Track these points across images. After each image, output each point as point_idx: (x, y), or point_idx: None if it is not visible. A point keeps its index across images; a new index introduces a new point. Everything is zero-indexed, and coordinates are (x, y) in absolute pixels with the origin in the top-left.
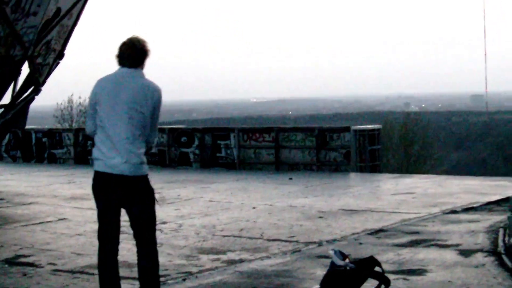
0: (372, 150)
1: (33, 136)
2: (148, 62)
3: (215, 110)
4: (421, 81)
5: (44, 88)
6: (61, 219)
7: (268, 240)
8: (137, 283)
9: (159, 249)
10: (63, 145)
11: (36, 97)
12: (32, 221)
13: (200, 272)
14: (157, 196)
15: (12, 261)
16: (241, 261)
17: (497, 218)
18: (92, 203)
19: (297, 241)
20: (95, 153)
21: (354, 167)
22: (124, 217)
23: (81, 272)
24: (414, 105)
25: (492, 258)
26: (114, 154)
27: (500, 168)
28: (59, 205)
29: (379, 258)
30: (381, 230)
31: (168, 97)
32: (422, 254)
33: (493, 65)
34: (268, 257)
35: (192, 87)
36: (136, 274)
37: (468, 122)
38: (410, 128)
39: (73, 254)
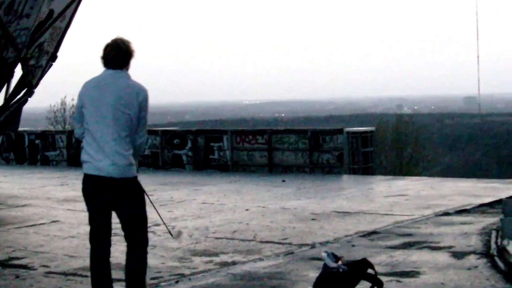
0: (365, 152)
1: (26, 138)
2: (143, 63)
3: (208, 112)
4: (414, 83)
5: (37, 90)
6: (54, 221)
7: (261, 242)
8: None
9: (152, 251)
10: (56, 147)
11: (29, 99)
12: (25, 223)
13: (193, 274)
14: (173, 230)
15: (5, 263)
16: (234, 263)
17: (490, 220)
18: (85, 205)
19: (290, 243)
20: (83, 156)
21: (347, 169)
22: (116, 219)
23: (74, 274)
24: (407, 107)
25: (484, 260)
26: (101, 157)
27: (493, 170)
28: (52, 207)
29: (372, 260)
30: (374, 232)
31: (161, 99)
32: (415, 256)
33: (486, 67)
34: (261, 259)
35: (186, 89)
36: None
37: (461, 124)
38: (403, 130)
39: (66, 256)
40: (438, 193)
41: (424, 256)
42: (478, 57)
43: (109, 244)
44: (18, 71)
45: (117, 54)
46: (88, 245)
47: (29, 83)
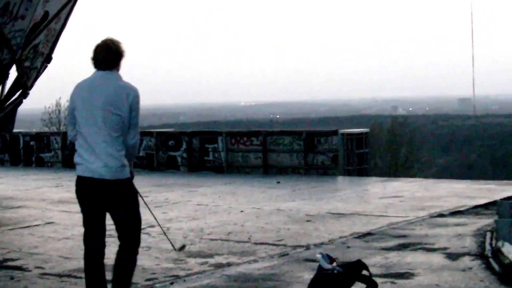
0: (359, 154)
1: (21, 139)
2: (139, 63)
3: (203, 113)
4: (409, 84)
5: (32, 92)
6: (49, 223)
7: (256, 243)
8: None
9: (147, 252)
10: (51, 148)
11: (24, 100)
12: (19, 225)
13: (187, 275)
14: (176, 243)
15: None
16: (228, 264)
17: (484, 221)
18: (79, 207)
19: (284, 245)
20: (76, 158)
21: (342, 170)
22: (111, 220)
23: (69, 276)
24: (401, 109)
25: (479, 262)
26: (94, 159)
27: (488, 172)
28: (47, 209)
29: (366, 261)
30: (368, 234)
31: (156, 100)
32: (410, 258)
33: (480, 68)
34: (255, 261)
35: (181, 90)
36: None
37: (455, 126)
38: (398, 132)
39: (60, 257)
40: (432, 194)
41: (418, 258)
42: (472, 58)
43: (103, 246)
44: (13, 73)
45: (107, 55)
46: (82, 247)
47: (24, 85)
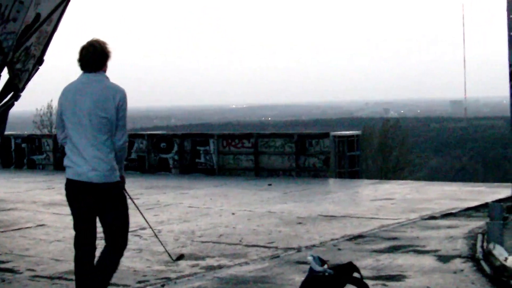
0: (351, 156)
1: (13, 142)
2: (129, 64)
3: (195, 116)
4: (400, 87)
5: (23, 94)
6: (40, 225)
7: (247, 246)
8: None
9: (139, 254)
10: (43, 151)
11: (15, 103)
12: (11, 227)
13: (178, 278)
14: (172, 252)
15: None
16: (220, 267)
17: (475, 224)
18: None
19: (276, 247)
20: (66, 161)
21: (333, 173)
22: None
23: (60, 278)
24: (393, 111)
25: (470, 264)
26: (82, 162)
27: (479, 174)
28: (38, 211)
29: (357, 264)
30: (360, 236)
31: (148, 103)
32: (401, 260)
33: (472, 71)
34: (247, 263)
35: (172, 91)
36: (113, 280)
37: (447, 128)
38: (389, 134)
39: (52, 260)
40: (424, 196)
41: (409, 260)
42: (464, 61)
43: (93, 249)
44: (5, 75)
45: (93, 57)
46: (73, 249)
47: (16, 87)
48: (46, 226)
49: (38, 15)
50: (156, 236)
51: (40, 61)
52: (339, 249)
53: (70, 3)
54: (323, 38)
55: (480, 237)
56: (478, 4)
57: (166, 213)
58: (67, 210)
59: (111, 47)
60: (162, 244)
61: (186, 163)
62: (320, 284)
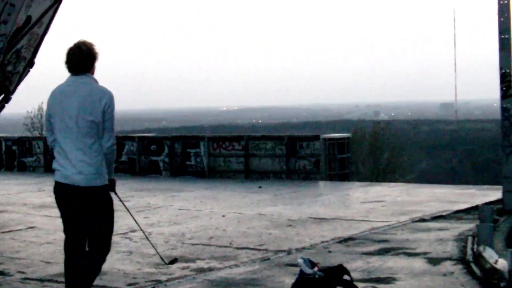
0: (341, 159)
1: (3, 144)
2: (123, 64)
3: (186, 118)
4: (391, 89)
5: (14, 96)
6: (31, 227)
7: (237, 248)
8: None
9: (129, 257)
10: (33, 153)
11: (6, 105)
12: (1, 229)
13: (169, 280)
14: (163, 255)
15: None
16: (210, 269)
17: (466, 226)
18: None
19: (266, 250)
20: (54, 164)
21: (324, 175)
22: None
23: (50, 281)
24: (383, 113)
25: (460, 266)
26: (69, 165)
27: (469, 177)
28: (29, 213)
29: (348, 266)
30: (350, 239)
31: (138, 105)
32: (391, 262)
33: (462, 73)
34: (237, 266)
35: (164, 92)
36: (103, 282)
37: (437, 131)
38: (380, 137)
39: (42, 262)
40: (414, 199)
41: (400, 262)
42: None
43: (83, 252)
44: None
45: (80, 59)
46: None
47: (6, 89)
48: (36, 228)
49: (29, 18)
50: (147, 238)
51: (31, 64)
52: (330, 252)
53: (60, 6)
54: (313, 40)
55: (470, 239)
56: (470, 7)
57: (157, 215)
58: (57, 212)
59: (98, 48)
60: (153, 246)
61: (176, 165)
62: (310, 286)
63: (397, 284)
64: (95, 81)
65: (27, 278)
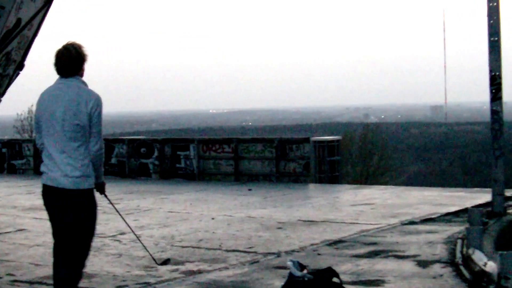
0: (331, 161)
1: None
2: (110, 69)
3: (175, 120)
4: (381, 92)
5: (4, 99)
6: (20, 230)
7: (227, 251)
8: None
9: (118, 259)
10: (23, 155)
11: None
12: None
13: (158, 283)
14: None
15: None
16: (199, 272)
17: (455, 229)
18: None
19: (255, 252)
20: (41, 166)
21: (314, 178)
22: None
23: (40, 283)
24: (373, 116)
25: (450, 269)
26: (55, 168)
27: (459, 179)
28: (18, 216)
29: (337, 269)
30: (339, 241)
31: (128, 108)
32: (380, 265)
33: (452, 76)
34: (226, 268)
35: (154, 94)
36: (93, 285)
37: (427, 133)
38: (370, 139)
39: (31, 264)
40: (404, 202)
41: (389, 265)
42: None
43: (70, 255)
44: None
45: (68, 61)
46: None
47: None
48: (26, 230)
49: (19, 20)
50: (139, 240)
51: (20, 66)
52: (319, 254)
53: (50, 9)
54: (304, 43)
55: (459, 242)
56: (459, 10)
57: (146, 218)
58: (46, 215)
59: (87, 50)
60: (145, 248)
61: (166, 168)
62: None
63: (387, 286)
64: (84, 83)
65: (16, 281)
